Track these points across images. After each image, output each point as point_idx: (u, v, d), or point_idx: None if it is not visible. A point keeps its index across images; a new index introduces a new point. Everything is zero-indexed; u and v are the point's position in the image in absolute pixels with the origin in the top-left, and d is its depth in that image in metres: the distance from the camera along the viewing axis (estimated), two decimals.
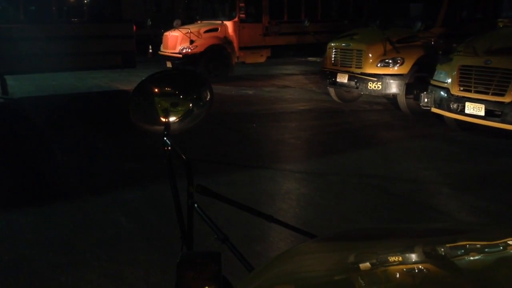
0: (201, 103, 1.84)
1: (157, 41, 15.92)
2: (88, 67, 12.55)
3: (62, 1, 12.43)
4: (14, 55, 11.10)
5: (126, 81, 13.73)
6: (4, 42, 11.00)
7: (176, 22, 15.07)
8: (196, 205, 1.57)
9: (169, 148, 1.66)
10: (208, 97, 1.83)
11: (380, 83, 9.33)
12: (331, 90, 10.84)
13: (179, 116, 1.79)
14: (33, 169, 6.48)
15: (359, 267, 1.09)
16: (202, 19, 15.98)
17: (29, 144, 7.67)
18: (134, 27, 13.08)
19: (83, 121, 9.33)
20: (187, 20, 17.52)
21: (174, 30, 14.64)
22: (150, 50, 18.96)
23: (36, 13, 12.11)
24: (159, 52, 15.24)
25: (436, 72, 8.00)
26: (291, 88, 13.11)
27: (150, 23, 20.40)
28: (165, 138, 1.69)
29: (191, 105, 1.83)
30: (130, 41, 12.68)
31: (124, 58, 12.46)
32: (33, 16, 11.90)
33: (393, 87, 9.33)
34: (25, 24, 11.34)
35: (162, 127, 1.74)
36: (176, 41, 14.29)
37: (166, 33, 14.90)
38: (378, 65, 9.41)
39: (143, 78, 1.79)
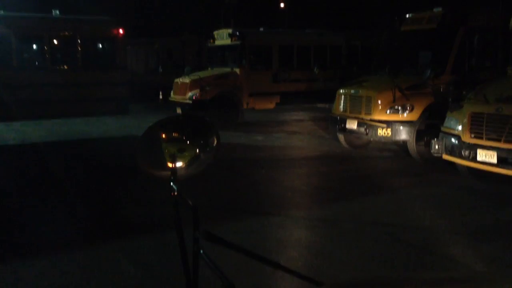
0: (207, 149, 1.84)
1: (168, 88, 16.13)
2: (81, 113, 12.60)
3: (56, 48, 12.56)
4: (2, 102, 11.14)
5: (136, 127, 13.83)
6: None
7: (187, 69, 15.32)
8: (201, 251, 1.53)
9: (176, 193, 1.64)
10: (215, 142, 1.83)
11: (389, 129, 9.31)
12: (341, 137, 10.83)
13: (186, 161, 1.79)
14: (42, 215, 6.42)
15: None
16: (212, 66, 16.22)
17: (39, 189, 7.65)
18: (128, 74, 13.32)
19: (93, 167, 9.33)
20: (197, 67, 17.81)
21: (184, 77, 14.84)
22: (161, 97, 19.20)
23: (29, 59, 12.25)
24: (170, 98, 15.41)
25: (446, 119, 7.97)
26: (301, 134, 13.12)
27: (161, 70, 20.76)
28: (172, 184, 1.67)
29: (198, 150, 1.82)
30: (124, 88, 12.74)
31: (117, 105, 12.52)
32: (25, 63, 12.00)
33: (403, 134, 9.30)
34: (16, 71, 11.43)
35: (169, 173, 1.72)
36: (186, 87, 14.47)
37: (177, 80, 15.11)
38: (388, 111, 9.42)
39: (151, 124, 1.78)
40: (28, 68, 11.75)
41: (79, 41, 12.61)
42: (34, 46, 12.62)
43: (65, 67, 12.55)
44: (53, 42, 12.54)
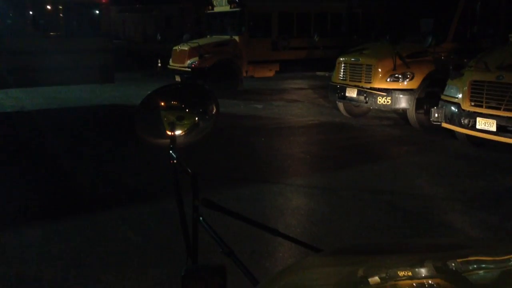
0: (207, 117, 1.84)
1: (167, 55, 16.02)
2: (62, 82, 12.32)
3: (37, 14, 12.14)
4: None
5: (135, 95, 13.78)
6: None
7: (185, 36, 15.17)
8: (201, 218, 1.55)
9: (175, 161, 1.64)
10: (214, 110, 1.83)
11: (389, 97, 9.28)
12: (340, 105, 10.80)
13: (185, 129, 1.79)
14: (42, 183, 6.46)
15: (368, 281, 1.06)
16: (211, 33, 16.06)
17: (39, 157, 7.67)
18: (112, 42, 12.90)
19: (91, 134, 9.33)
20: (196, 34, 17.63)
21: (183, 44, 14.71)
22: (159, 64, 19.07)
23: (8, 26, 11.86)
24: (168, 66, 15.31)
25: (446, 87, 7.94)
26: (300, 103, 13.09)
27: (159, 37, 20.55)
28: (171, 152, 1.67)
29: (197, 118, 1.82)
30: (108, 56, 12.39)
31: (101, 73, 12.24)
32: (4, 29, 11.63)
33: (403, 102, 9.28)
34: None
35: (168, 141, 1.72)
36: (185, 55, 14.35)
37: (175, 48, 14.98)
38: (388, 79, 9.37)
39: (150, 92, 1.77)
40: (7, 35, 11.36)
41: (61, 7, 12.24)
42: (13, 12, 12.15)
43: (46, 34, 12.12)
44: (34, 8, 12.10)
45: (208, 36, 15.88)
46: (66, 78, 11.87)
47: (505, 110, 6.92)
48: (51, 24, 12.29)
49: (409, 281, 1.05)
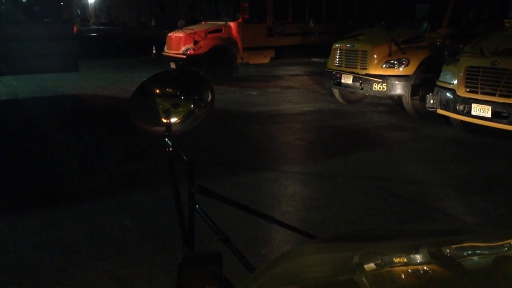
0: (202, 104, 1.84)
1: (161, 42, 15.93)
2: (23, 71, 11.77)
3: None
4: None
5: (130, 82, 13.72)
6: None
7: (180, 22, 15.07)
8: (197, 206, 1.56)
9: (171, 149, 1.65)
10: (209, 97, 1.83)
11: (385, 84, 9.27)
12: (336, 91, 10.79)
13: (181, 117, 1.79)
14: (38, 171, 6.45)
15: (363, 267, 1.07)
16: (206, 20, 15.96)
17: (34, 145, 7.64)
18: (75, 29, 12.15)
19: (86, 122, 9.30)
20: (191, 21, 17.52)
21: (178, 31, 14.62)
22: (154, 51, 18.97)
23: None
24: (163, 52, 15.23)
25: (442, 73, 7.94)
26: (295, 89, 13.06)
27: (154, 24, 20.43)
28: (166, 139, 1.67)
29: (192, 106, 1.83)
30: (72, 43, 11.63)
31: (64, 61, 11.72)
32: None
33: (398, 88, 9.27)
34: None
35: (163, 128, 1.72)
36: (180, 41, 14.27)
37: (170, 34, 14.89)
38: (383, 66, 9.36)
39: (145, 79, 1.76)
40: None
41: None
42: None
43: (4, 21, 11.47)
44: None
45: (203, 22, 15.78)
46: (26, 67, 11.23)
47: (500, 96, 6.93)
48: (9, 11, 11.64)
49: (404, 267, 1.05)
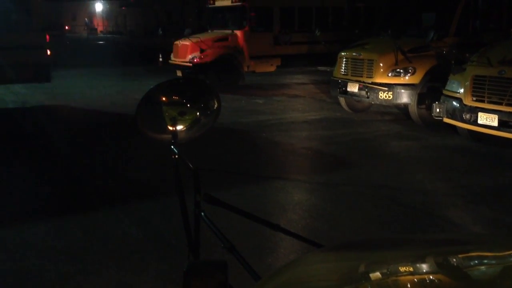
0: (208, 112, 1.85)
1: (168, 50, 15.99)
2: None
3: None
4: None
5: (136, 90, 13.77)
6: None
7: (187, 31, 15.14)
8: (203, 213, 1.55)
9: (177, 156, 1.65)
10: (215, 105, 1.84)
11: (391, 92, 9.26)
12: (342, 100, 10.77)
13: (187, 124, 1.79)
14: (45, 178, 6.47)
15: (369, 276, 1.06)
16: (212, 28, 16.02)
17: (42, 154, 7.67)
18: (48, 37, 11.44)
19: (92, 130, 9.33)
20: (197, 29, 17.59)
21: (184, 39, 14.68)
22: (161, 59, 19.05)
23: None
24: (170, 61, 15.28)
25: (448, 82, 7.92)
26: (302, 98, 13.07)
27: (161, 32, 20.52)
28: (172, 147, 1.67)
29: (198, 113, 1.83)
30: (43, 53, 11.01)
31: (36, 71, 10.91)
32: None
33: (404, 97, 9.25)
34: None
35: (170, 136, 1.72)
36: (187, 50, 14.32)
37: (177, 42, 14.95)
38: (389, 74, 9.34)
39: (151, 87, 1.77)
40: None
41: None
42: None
43: None
44: None
45: (210, 31, 15.84)
46: None
47: (507, 105, 6.90)
48: None
49: (410, 277, 1.05)
